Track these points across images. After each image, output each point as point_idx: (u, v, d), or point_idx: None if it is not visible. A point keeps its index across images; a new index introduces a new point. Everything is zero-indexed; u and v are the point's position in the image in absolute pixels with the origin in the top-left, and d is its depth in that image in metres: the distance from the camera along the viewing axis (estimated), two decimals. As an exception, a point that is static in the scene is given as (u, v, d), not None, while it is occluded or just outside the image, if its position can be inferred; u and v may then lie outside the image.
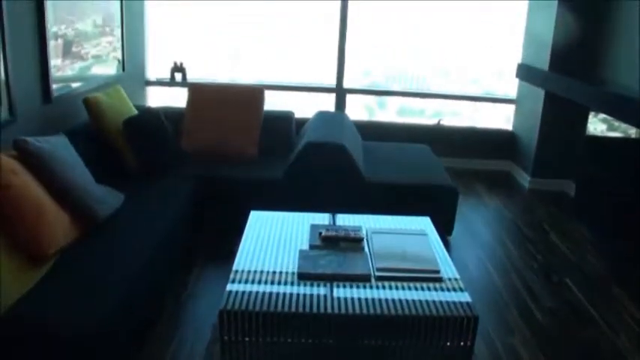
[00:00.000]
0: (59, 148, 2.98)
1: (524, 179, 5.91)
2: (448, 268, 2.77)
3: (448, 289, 2.57)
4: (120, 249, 2.87)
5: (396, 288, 2.54)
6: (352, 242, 2.94)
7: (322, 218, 3.33)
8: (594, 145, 5.05)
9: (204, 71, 6.62)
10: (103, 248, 2.85)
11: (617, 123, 4.59)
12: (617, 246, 4.35)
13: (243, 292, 2.45)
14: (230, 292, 2.45)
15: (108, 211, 3.11)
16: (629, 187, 4.25)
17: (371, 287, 2.55)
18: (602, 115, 4.83)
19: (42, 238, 2.57)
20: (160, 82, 6.27)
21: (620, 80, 4.85)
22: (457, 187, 4.28)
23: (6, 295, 2.26)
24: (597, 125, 4.95)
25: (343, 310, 2.36)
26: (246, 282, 2.54)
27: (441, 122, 6.45)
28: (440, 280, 2.65)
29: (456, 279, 2.67)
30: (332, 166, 4.07)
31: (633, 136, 4.42)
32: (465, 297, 2.51)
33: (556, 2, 5.31)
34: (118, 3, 5.09)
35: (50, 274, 2.55)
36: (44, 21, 3.69)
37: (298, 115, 5.11)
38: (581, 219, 4.93)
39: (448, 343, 2.39)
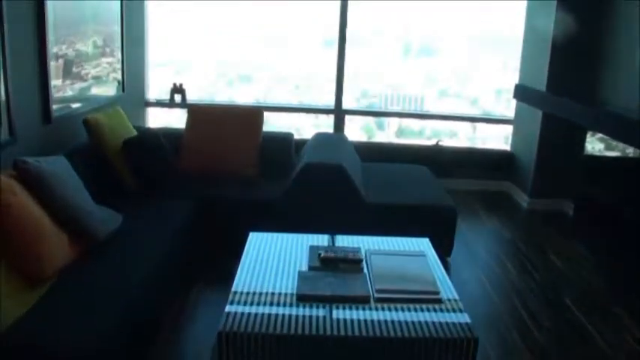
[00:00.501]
0: (59, 168, 2.99)
1: (523, 199, 5.91)
2: (447, 290, 2.76)
3: (448, 311, 2.56)
4: (118, 269, 2.86)
5: (396, 309, 2.53)
6: (351, 263, 2.93)
7: (321, 239, 3.32)
8: (592, 164, 5.07)
9: (203, 92, 6.65)
10: (102, 269, 2.84)
11: (614, 142, 4.61)
12: (616, 265, 4.35)
13: (242, 314, 2.43)
14: (229, 313, 2.44)
15: (106, 231, 3.10)
16: (627, 206, 4.26)
17: (370, 309, 2.54)
18: (599, 134, 4.85)
19: (41, 259, 2.57)
20: (159, 103, 6.29)
21: (619, 100, 4.87)
22: (456, 208, 4.28)
23: (5, 314, 2.25)
24: (595, 145, 4.97)
25: (342, 332, 2.35)
26: (245, 303, 2.53)
27: (440, 143, 6.47)
28: (439, 301, 2.64)
29: (455, 300, 2.66)
30: (331, 186, 4.07)
31: (631, 155, 4.44)
32: (464, 318, 2.50)
33: (553, 24, 5.35)
34: (119, 24, 5.13)
35: (48, 294, 2.54)
36: (45, 41, 3.72)
37: (297, 136, 5.13)
38: (580, 238, 4.93)
39: (448, 365, 2.37)
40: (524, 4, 6.00)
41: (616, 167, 4.76)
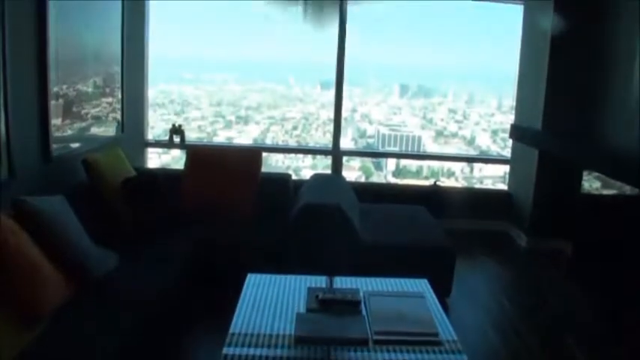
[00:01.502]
0: (57, 208, 3.00)
1: (521, 239, 5.90)
2: (446, 331, 2.74)
3: (447, 352, 2.54)
4: (114, 310, 2.84)
5: (395, 351, 2.51)
6: (349, 305, 2.90)
7: (319, 281, 3.31)
8: (590, 203, 5.06)
9: (202, 133, 6.70)
10: (97, 309, 2.82)
11: (611, 180, 4.61)
12: (615, 305, 4.31)
13: (240, 356, 2.42)
14: (226, 355, 2.42)
15: (103, 271, 3.09)
16: (625, 245, 4.24)
17: (369, 351, 2.52)
18: (596, 173, 4.86)
19: (37, 298, 2.57)
20: (158, 144, 6.31)
21: (617, 137, 4.89)
22: (454, 249, 4.27)
23: (0, 353, 2.23)
24: (592, 183, 4.98)
25: (341, 375, 2.33)
26: (242, 345, 2.51)
27: (437, 183, 6.48)
28: (438, 342, 2.62)
29: (454, 341, 2.64)
30: (329, 227, 4.06)
31: (628, 193, 4.44)
32: (463, 359, 2.48)
33: (547, 61, 5.42)
34: (119, 65, 5.19)
35: (44, 334, 2.52)
36: (46, 81, 3.76)
37: (295, 177, 5.15)
38: (579, 278, 4.90)
39: (447, 409, 2.35)
40: (519, 43, 6.08)
41: (613, 206, 4.76)
